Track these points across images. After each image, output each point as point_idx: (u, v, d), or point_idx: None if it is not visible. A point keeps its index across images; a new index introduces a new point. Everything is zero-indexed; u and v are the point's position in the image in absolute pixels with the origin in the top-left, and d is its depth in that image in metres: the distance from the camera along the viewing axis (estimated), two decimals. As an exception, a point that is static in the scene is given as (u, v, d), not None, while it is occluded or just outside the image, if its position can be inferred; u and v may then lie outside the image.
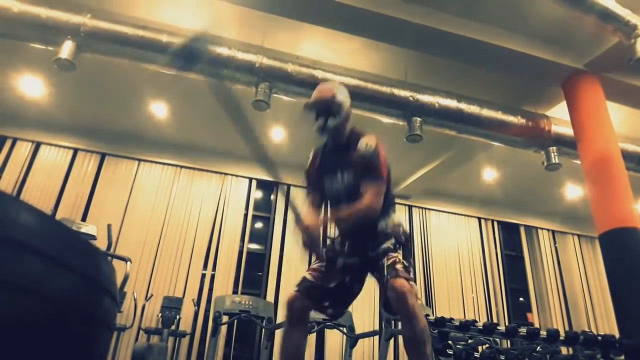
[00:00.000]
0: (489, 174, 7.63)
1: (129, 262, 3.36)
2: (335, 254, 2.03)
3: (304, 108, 2.05)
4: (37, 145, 6.61)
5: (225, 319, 5.15)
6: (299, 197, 7.16)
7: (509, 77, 5.32)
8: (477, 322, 3.56)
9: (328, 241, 2.12)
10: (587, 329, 6.23)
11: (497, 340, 4.33)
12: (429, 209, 8.29)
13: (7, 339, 0.76)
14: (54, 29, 4.31)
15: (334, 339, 6.49)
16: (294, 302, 1.89)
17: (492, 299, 7.90)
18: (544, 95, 5.58)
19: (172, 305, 5.58)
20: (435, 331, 3.35)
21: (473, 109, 5.25)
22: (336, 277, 1.97)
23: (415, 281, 1.85)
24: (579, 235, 8.99)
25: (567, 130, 5.28)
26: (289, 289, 6.95)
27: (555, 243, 8.86)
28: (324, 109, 2.00)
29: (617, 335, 3.74)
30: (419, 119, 5.10)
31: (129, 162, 6.94)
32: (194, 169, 7.19)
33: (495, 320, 7.13)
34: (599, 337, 3.53)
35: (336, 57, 5.25)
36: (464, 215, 8.46)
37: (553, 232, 8.89)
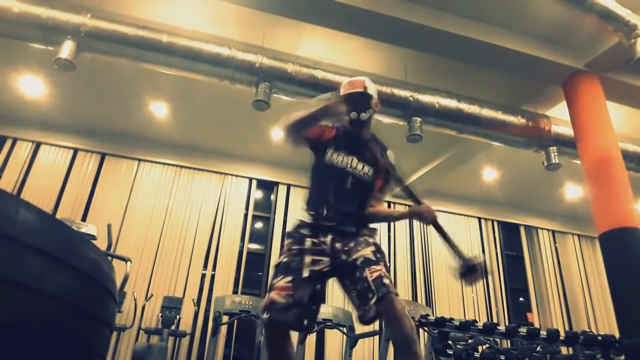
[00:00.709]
0: (489, 174, 7.63)
1: (129, 262, 3.36)
2: (299, 257, 1.86)
3: (340, 99, 2.02)
4: (37, 145, 6.61)
5: (225, 319, 5.14)
6: (299, 196, 7.17)
7: (509, 77, 5.32)
8: (477, 322, 3.57)
9: (289, 240, 1.95)
10: (587, 329, 6.23)
11: (497, 340, 4.33)
12: (429, 209, 8.27)
13: (7, 338, 0.76)
14: (54, 29, 4.30)
15: (334, 339, 6.49)
16: (269, 327, 1.76)
17: (492, 299, 7.90)
18: (544, 95, 5.58)
19: (172, 305, 5.58)
20: (436, 331, 3.35)
21: (473, 109, 5.25)
22: (307, 289, 1.80)
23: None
24: (579, 235, 8.99)
25: (567, 130, 5.28)
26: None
27: (555, 243, 8.86)
28: (359, 102, 2.04)
29: (617, 335, 3.74)
30: (419, 119, 5.10)
31: (129, 162, 6.94)
32: (194, 169, 7.19)
33: (495, 320, 7.12)
34: (599, 337, 3.53)
35: (336, 57, 5.25)
36: (464, 215, 8.46)
37: (553, 232, 8.89)
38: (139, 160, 6.99)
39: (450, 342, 3.38)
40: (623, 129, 5.70)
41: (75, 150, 6.75)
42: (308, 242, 1.89)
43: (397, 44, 4.81)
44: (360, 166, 2.03)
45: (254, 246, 7.18)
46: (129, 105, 6.28)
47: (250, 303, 5.15)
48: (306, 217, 2.00)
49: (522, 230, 8.75)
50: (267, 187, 7.59)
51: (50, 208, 6.08)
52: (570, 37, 4.81)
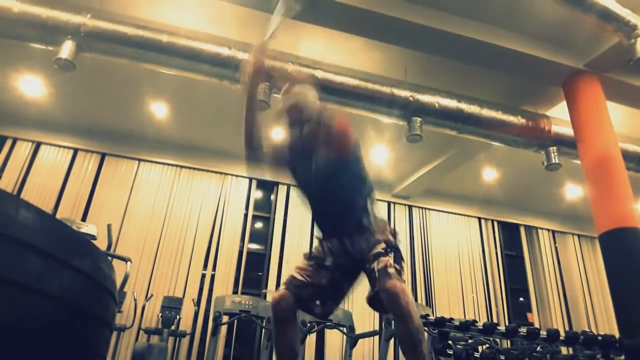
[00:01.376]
0: (489, 174, 7.63)
1: (129, 262, 3.36)
2: (324, 254, 1.99)
3: (277, 115, 2.08)
4: (37, 145, 6.61)
5: (225, 319, 5.14)
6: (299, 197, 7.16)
7: (509, 77, 5.32)
8: (477, 322, 3.57)
9: (315, 242, 2.08)
10: (587, 329, 6.23)
11: (497, 340, 4.33)
12: (429, 209, 8.29)
13: (7, 337, 0.76)
14: (54, 29, 4.30)
15: (334, 339, 6.49)
16: (280, 302, 1.85)
17: (492, 299, 7.91)
18: (544, 95, 5.58)
19: (172, 305, 5.58)
20: (436, 331, 3.36)
21: (473, 108, 5.25)
22: (326, 274, 1.93)
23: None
24: (579, 235, 8.99)
25: (567, 130, 5.28)
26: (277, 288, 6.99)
27: (555, 243, 8.86)
28: (300, 120, 2.08)
29: (617, 335, 3.74)
30: (419, 119, 5.10)
31: (129, 162, 6.94)
32: (194, 169, 7.19)
33: (495, 320, 7.12)
34: (599, 337, 3.53)
35: (336, 57, 5.25)
36: (464, 215, 8.46)
37: (553, 232, 8.89)
38: (139, 160, 6.99)
39: (450, 342, 3.38)
40: (623, 129, 5.70)
41: (75, 150, 6.75)
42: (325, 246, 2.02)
43: (397, 44, 4.81)
44: (318, 162, 2.00)
45: (254, 246, 7.18)
46: (129, 105, 6.28)
47: (250, 303, 5.15)
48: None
49: (522, 230, 8.75)
50: (267, 187, 7.59)
51: (50, 208, 6.08)
52: (570, 37, 4.81)
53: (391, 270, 1.76)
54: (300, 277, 1.91)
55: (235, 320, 5.41)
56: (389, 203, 7.99)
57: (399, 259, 1.85)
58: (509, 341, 4.33)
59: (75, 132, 6.73)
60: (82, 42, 4.37)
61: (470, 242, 8.26)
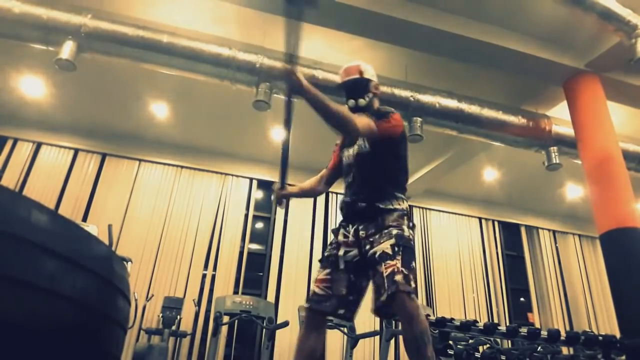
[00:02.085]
0: (490, 174, 7.63)
1: (129, 263, 3.36)
2: (336, 250, 1.98)
3: (337, 89, 2.14)
4: (38, 146, 6.62)
5: (226, 319, 5.15)
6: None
7: (509, 77, 5.32)
8: (477, 322, 3.56)
9: (330, 238, 2.09)
10: (588, 329, 6.22)
11: (498, 340, 4.33)
12: (430, 209, 8.29)
13: (22, 339, 0.76)
14: (54, 30, 4.31)
15: (335, 339, 6.48)
16: (313, 306, 1.92)
17: (493, 299, 7.90)
18: (544, 95, 5.58)
19: (172, 306, 5.59)
20: (436, 331, 3.35)
21: (473, 109, 5.25)
22: (343, 280, 1.93)
23: (416, 289, 1.78)
24: (579, 235, 8.99)
25: (568, 130, 5.28)
26: (289, 289, 6.98)
27: (556, 243, 8.86)
28: (354, 89, 2.09)
29: (618, 335, 3.73)
30: (419, 119, 5.10)
31: (129, 162, 6.95)
32: (194, 169, 7.19)
33: (496, 321, 7.13)
34: (600, 337, 3.53)
35: (337, 57, 5.24)
36: (465, 215, 8.46)
37: (554, 232, 8.89)
38: (140, 160, 6.99)
39: (451, 342, 3.38)
40: (623, 129, 5.70)
41: (76, 151, 6.76)
42: (340, 235, 2.02)
43: (397, 44, 4.81)
44: (350, 150, 2.10)
45: (255, 246, 7.18)
46: (129, 106, 6.28)
47: (251, 303, 5.16)
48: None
49: (523, 230, 8.74)
50: (268, 187, 7.58)
51: (51, 208, 6.09)
52: (571, 37, 4.81)
53: (398, 277, 1.73)
54: (321, 292, 1.93)
55: (236, 321, 5.42)
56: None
57: (408, 260, 1.79)
58: (509, 341, 4.33)
59: (76, 133, 6.73)
60: (82, 42, 4.37)
61: (470, 242, 8.26)
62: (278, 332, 5.40)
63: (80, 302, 0.88)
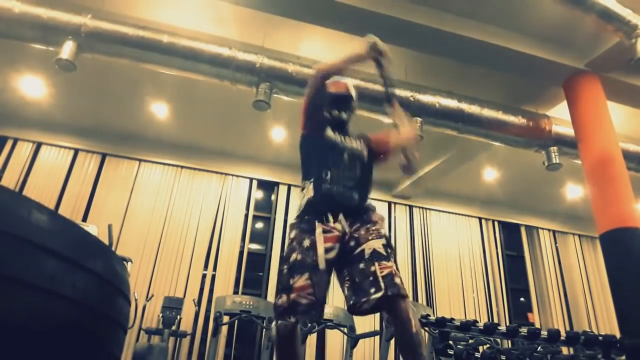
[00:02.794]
0: (490, 174, 7.63)
1: (129, 263, 3.36)
2: (312, 250, 1.81)
3: (334, 98, 2.16)
4: (38, 146, 6.62)
5: (226, 319, 5.14)
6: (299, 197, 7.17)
7: (510, 77, 5.32)
8: (477, 322, 3.56)
9: (297, 231, 1.90)
10: (588, 329, 6.23)
11: (498, 340, 4.32)
12: (430, 209, 8.29)
13: (23, 339, 0.76)
14: (54, 30, 4.31)
15: (335, 339, 6.49)
16: (287, 328, 1.74)
17: (493, 299, 7.90)
18: (544, 95, 5.58)
19: (172, 306, 5.58)
20: (436, 331, 3.35)
21: (474, 109, 5.25)
22: (324, 282, 1.80)
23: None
24: (579, 235, 8.99)
25: (568, 130, 5.28)
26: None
27: (556, 243, 8.86)
28: (342, 103, 2.18)
29: (618, 335, 3.73)
30: (419, 119, 5.10)
31: (129, 162, 6.95)
32: (194, 169, 7.19)
33: (496, 320, 7.13)
34: (600, 337, 3.52)
35: (336, 57, 5.24)
36: (465, 215, 8.46)
37: (554, 232, 8.89)
38: (140, 160, 6.99)
39: (451, 342, 3.37)
40: (624, 129, 5.70)
41: (76, 151, 6.76)
42: (318, 229, 1.85)
43: (397, 44, 4.80)
44: (353, 143, 2.12)
45: (255, 246, 7.18)
46: (129, 106, 6.28)
47: (251, 303, 5.15)
48: (308, 195, 1.95)
49: (523, 230, 8.74)
50: (268, 187, 7.59)
51: (51, 208, 6.09)
52: (571, 37, 4.81)
53: (398, 280, 1.75)
54: (305, 301, 1.73)
55: (236, 321, 5.41)
56: (389, 203, 7.99)
57: (396, 262, 1.85)
58: (509, 341, 4.33)
59: (76, 133, 6.74)
60: (82, 42, 4.37)
61: (471, 242, 8.26)
62: (278, 332, 5.39)
63: (81, 302, 0.88)
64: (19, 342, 0.75)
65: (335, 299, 5.92)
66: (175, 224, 6.74)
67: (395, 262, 1.82)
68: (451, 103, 5.20)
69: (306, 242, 1.83)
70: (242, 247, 6.92)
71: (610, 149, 4.56)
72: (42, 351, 0.79)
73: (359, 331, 5.10)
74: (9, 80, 5.83)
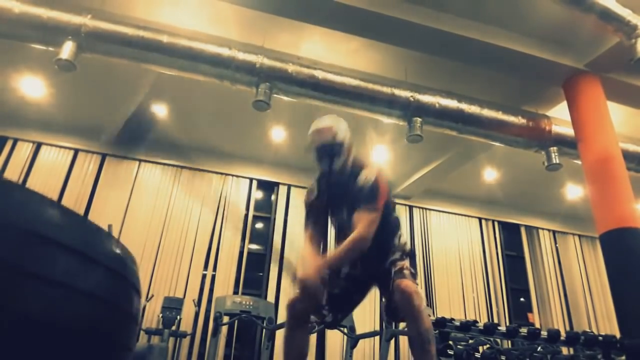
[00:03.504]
0: (490, 174, 7.63)
1: (129, 263, 3.36)
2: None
3: (307, 149, 2.04)
4: (38, 146, 6.62)
5: (225, 319, 5.15)
6: (300, 196, 7.17)
7: (509, 77, 5.32)
8: (477, 322, 3.57)
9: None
10: (588, 329, 6.23)
11: (498, 340, 4.33)
12: (430, 209, 8.29)
13: (47, 333, 0.78)
14: (54, 30, 4.31)
15: (335, 339, 6.48)
16: (296, 305, 1.88)
17: (493, 299, 7.90)
18: (544, 96, 5.57)
19: (172, 306, 5.59)
20: (436, 331, 3.35)
21: (473, 109, 5.24)
22: (339, 283, 1.99)
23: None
24: (579, 236, 8.98)
25: (568, 131, 5.27)
26: (290, 289, 6.94)
27: (556, 243, 8.86)
28: (327, 152, 1.95)
29: (618, 335, 3.74)
30: (419, 119, 5.10)
31: (129, 162, 6.95)
32: (194, 169, 7.19)
33: (496, 321, 7.13)
34: (600, 338, 3.53)
35: (336, 57, 5.25)
36: (465, 215, 8.46)
37: (554, 232, 8.88)
38: (140, 160, 6.99)
39: (451, 342, 3.38)
40: (623, 129, 5.69)
41: (76, 151, 6.75)
42: None
43: (397, 44, 4.81)
44: (347, 211, 1.99)
45: (255, 246, 7.18)
46: (129, 106, 6.27)
47: (251, 303, 5.16)
48: None
49: (523, 231, 8.74)
50: (268, 187, 7.58)
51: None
52: (571, 37, 4.81)
53: (407, 271, 1.87)
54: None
55: (236, 321, 5.42)
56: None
57: (413, 264, 1.95)
58: (509, 341, 4.33)
59: (76, 133, 6.73)
60: (82, 42, 4.37)
61: (470, 243, 8.26)
62: (278, 332, 5.39)
63: (97, 296, 0.90)
64: (42, 337, 0.77)
65: (335, 299, 5.93)
66: (175, 224, 6.74)
67: (410, 262, 2.00)
68: (451, 103, 5.19)
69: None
70: (242, 247, 6.91)
71: (610, 149, 4.56)
72: (63, 345, 0.81)
73: (359, 331, 5.10)
74: (9, 80, 5.83)
